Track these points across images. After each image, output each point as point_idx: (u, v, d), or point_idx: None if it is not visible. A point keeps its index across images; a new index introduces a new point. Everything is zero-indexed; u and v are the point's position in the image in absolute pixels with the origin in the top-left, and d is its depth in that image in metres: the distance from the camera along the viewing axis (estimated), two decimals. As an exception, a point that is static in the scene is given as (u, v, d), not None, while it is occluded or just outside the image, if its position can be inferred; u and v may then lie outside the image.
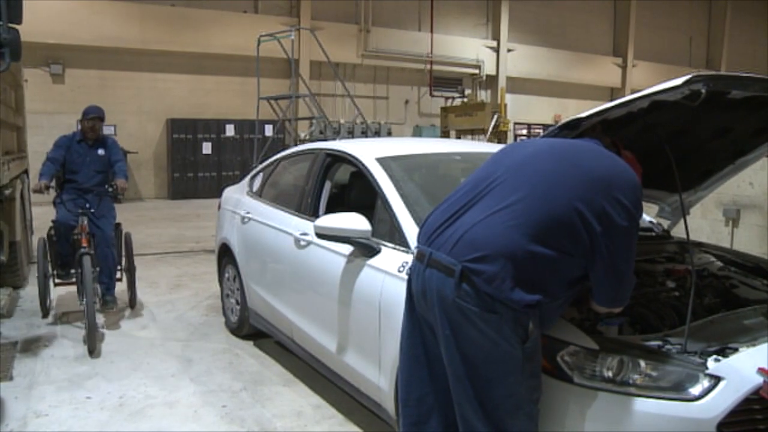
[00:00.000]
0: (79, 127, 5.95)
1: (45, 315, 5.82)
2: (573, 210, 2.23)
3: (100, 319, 5.57)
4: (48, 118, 15.02)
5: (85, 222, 5.41)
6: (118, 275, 5.96)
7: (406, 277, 2.66)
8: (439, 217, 2.47)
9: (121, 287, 6.00)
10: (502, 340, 2.21)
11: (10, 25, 3.54)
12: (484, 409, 2.29)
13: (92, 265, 5.24)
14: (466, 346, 2.27)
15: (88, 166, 5.82)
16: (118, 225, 6.09)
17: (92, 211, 5.53)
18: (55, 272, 5.82)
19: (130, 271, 6.12)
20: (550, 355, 2.39)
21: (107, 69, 16.24)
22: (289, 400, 4.16)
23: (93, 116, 5.83)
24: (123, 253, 6.05)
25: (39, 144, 14.18)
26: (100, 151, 5.88)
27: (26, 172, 8.56)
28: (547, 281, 2.25)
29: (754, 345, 2.39)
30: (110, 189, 5.67)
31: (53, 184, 5.63)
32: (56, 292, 6.14)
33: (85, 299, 5.05)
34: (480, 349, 2.25)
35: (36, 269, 5.83)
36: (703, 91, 2.32)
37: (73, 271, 5.56)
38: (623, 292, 2.42)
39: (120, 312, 5.98)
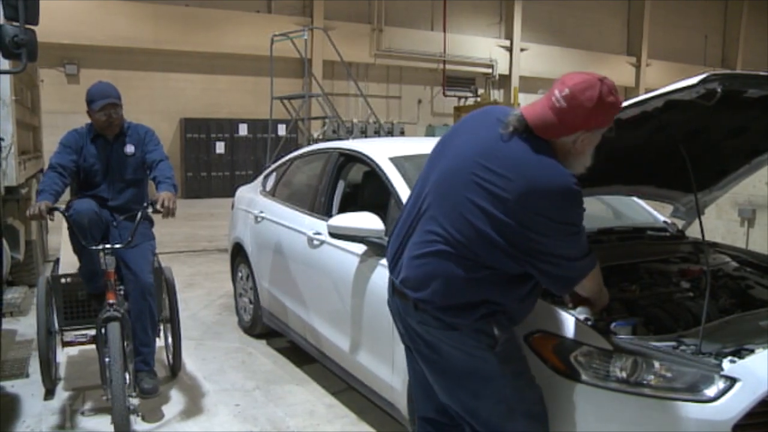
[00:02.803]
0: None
1: (49, 391, 4.12)
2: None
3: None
4: (63, 117, 14.99)
5: (112, 266, 3.58)
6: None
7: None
8: (395, 241, 2.48)
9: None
10: (471, 351, 2.25)
11: (27, 26, 3.56)
12: (480, 419, 2.32)
13: (123, 335, 3.48)
14: (442, 365, 2.33)
15: (112, 175, 4.05)
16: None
17: (117, 246, 3.64)
18: (62, 328, 4.19)
19: (173, 323, 4.34)
20: (563, 356, 2.38)
21: (121, 69, 16.32)
22: (302, 399, 4.17)
23: (104, 103, 3.95)
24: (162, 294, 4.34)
25: (54, 144, 14.25)
26: (129, 149, 4.04)
27: (42, 171, 8.62)
28: (491, 293, 2.23)
29: (770, 346, 2.37)
30: (149, 208, 3.77)
31: (60, 205, 3.77)
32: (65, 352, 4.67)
33: (110, 392, 3.36)
34: (455, 364, 2.29)
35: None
36: (719, 90, 2.30)
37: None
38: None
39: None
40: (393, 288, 2.43)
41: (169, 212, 3.64)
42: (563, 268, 2.24)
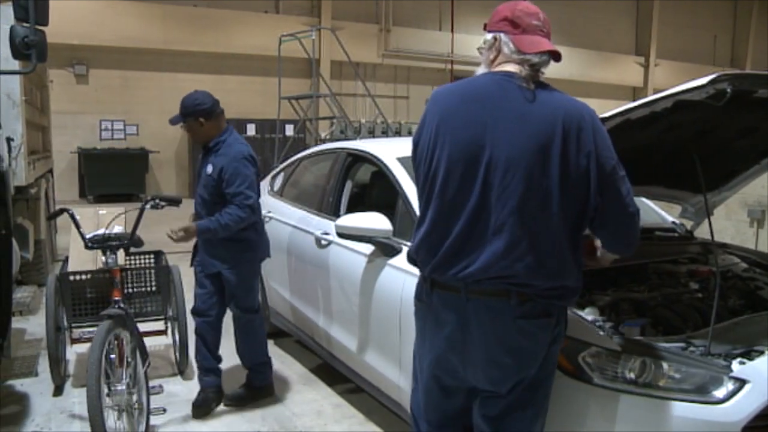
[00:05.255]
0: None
1: (58, 388, 4.20)
2: None
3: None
4: (72, 118, 15.20)
5: (115, 264, 3.56)
6: (161, 326, 4.51)
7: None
8: (455, 238, 2.24)
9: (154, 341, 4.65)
10: (553, 339, 2.21)
11: (37, 26, 3.58)
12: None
13: (109, 333, 3.26)
14: (528, 367, 2.20)
15: (197, 188, 4.00)
16: (159, 254, 4.73)
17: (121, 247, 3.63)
18: (71, 325, 4.27)
19: (180, 322, 4.37)
20: (571, 357, 2.37)
21: (130, 69, 16.38)
22: (309, 399, 4.18)
23: (178, 122, 3.90)
24: (170, 293, 4.50)
25: (63, 144, 14.41)
26: (209, 168, 3.85)
27: (51, 171, 8.68)
28: (568, 271, 2.21)
29: (780, 348, 2.36)
30: (149, 204, 3.61)
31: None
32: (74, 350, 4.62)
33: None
34: (540, 358, 2.20)
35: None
36: (729, 90, 2.29)
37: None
38: None
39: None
40: (467, 290, 2.11)
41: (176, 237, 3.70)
42: (629, 193, 2.14)
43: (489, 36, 2.25)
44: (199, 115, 3.82)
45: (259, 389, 4.15)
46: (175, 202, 3.66)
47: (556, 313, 2.16)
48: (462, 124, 2.12)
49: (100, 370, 3.07)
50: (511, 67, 2.18)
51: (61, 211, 3.67)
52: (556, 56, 2.20)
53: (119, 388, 3.25)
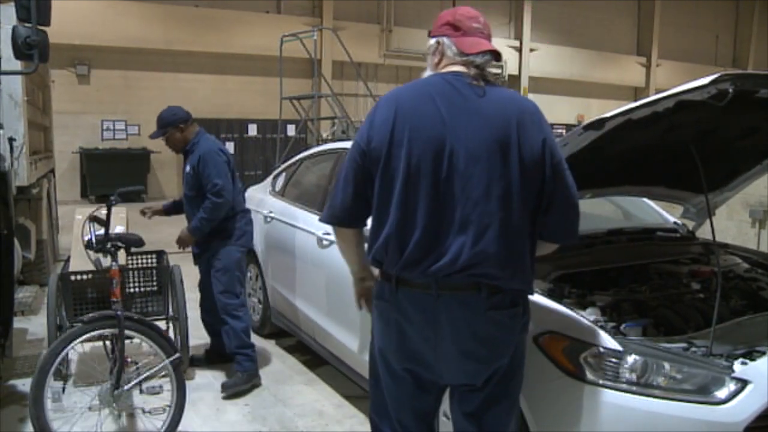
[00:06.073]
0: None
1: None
2: None
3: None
4: (73, 118, 15.21)
5: (116, 265, 3.62)
6: (162, 326, 4.20)
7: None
8: (422, 235, 2.26)
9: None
10: (519, 330, 2.25)
11: (39, 27, 3.59)
12: (501, 417, 2.28)
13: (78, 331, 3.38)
14: (500, 357, 2.23)
15: (184, 193, 4.49)
16: (161, 254, 4.74)
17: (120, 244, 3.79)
18: (72, 325, 3.93)
19: (181, 322, 4.37)
20: (573, 357, 2.38)
21: (131, 69, 16.40)
22: (310, 399, 4.18)
23: (159, 135, 4.38)
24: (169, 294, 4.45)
25: (65, 144, 14.42)
26: (187, 167, 4.38)
27: (53, 171, 8.69)
28: (529, 256, 2.28)
29: (781, 348, 2.36)
30: (114, 202, 3.69)
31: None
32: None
33: None
34: (511, 348, 2.24)
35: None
36: (731, 90, 2.29)
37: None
38: None
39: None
40: (438, 285, 2.12)
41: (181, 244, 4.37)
42: (573, 184, 2.21)
43: (432, 41, 2.34)
44: (179, 123, 4.34)
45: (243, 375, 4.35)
46: (134, 193, 3.88)
47: (522, 302, 2.21)
48: (421, 122, 2.15)
49: (47, 377, 3.21)
50: (457, 68, 2.24)
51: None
52: (497, 56, 2.28)
53: (105, 387, 3.33)
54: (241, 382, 4.28)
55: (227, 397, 4.17)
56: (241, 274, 4.49)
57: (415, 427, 2.35)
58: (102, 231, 3.70)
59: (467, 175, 2.10)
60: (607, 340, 2.38)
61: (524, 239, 2.16)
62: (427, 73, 2.32)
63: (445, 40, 2.28)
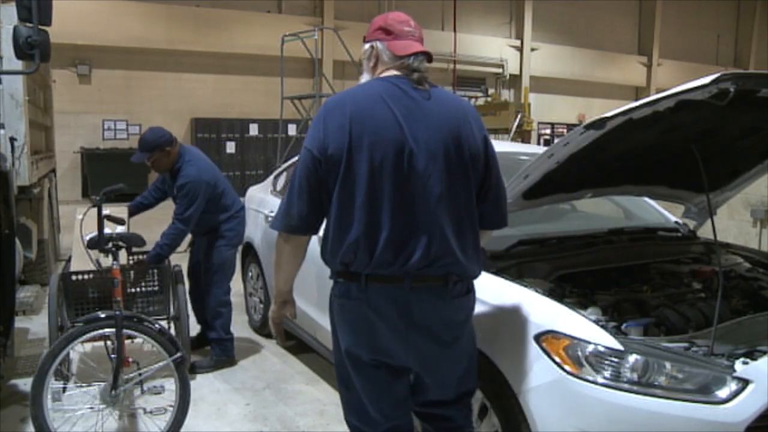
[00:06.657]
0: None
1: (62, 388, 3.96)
2: None
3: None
4: (75, 117, 15.24)
5: (117, 265, 3.65)
6: (165, 325, 4.26)
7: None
8: (394, 233, 2.42)
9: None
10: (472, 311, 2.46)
11: (40, 27, 3.59)
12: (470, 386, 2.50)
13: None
14: (464, 339, 2.43)
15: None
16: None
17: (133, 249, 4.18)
18: (73, 324, 3.84)
19: (182, 321, 4.34)
20: (574, 356, 2.37)
21: (133, 69, 16.42)
22: (311, 398, 4.18)
23: (142, 159, 4.44)
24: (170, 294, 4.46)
25: (66, 144, 14.44)
26: (175, 190, 4.47)
27: (54, 171, 8.69)
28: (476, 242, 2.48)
29: (783, 348, 2.36)
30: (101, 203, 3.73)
31: None
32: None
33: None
34: (468, 331, 2.44)
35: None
36: (732, 90, 2.29)
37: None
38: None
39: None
40: (411, 278, 2.22)
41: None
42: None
43: (367, 45, 2.40)
44: (165, 146, 4.35)
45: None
46: (117, 191, 3.83)
47: (472, 287, 2.40)
48: (378, 125, 2.19)
49: (47, 377, 3.28)
50: (395, 72, 2.32)
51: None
52: (428, 57, 2.37)
53: (104, 387, 3.35)
54: (208, 365, 4.61)
55: (193, 375, 4.36)
56: (231, 272, 4.79)
57: (397, 413, 2.42)
58: (119, 229, 3.71)
59: (427, 174, 2.20)
60: (608, 340, 2.38)
61: (476, 228, 2.35)
62: (365, 77, 2.40)
63: (379, 44, 2.36)
